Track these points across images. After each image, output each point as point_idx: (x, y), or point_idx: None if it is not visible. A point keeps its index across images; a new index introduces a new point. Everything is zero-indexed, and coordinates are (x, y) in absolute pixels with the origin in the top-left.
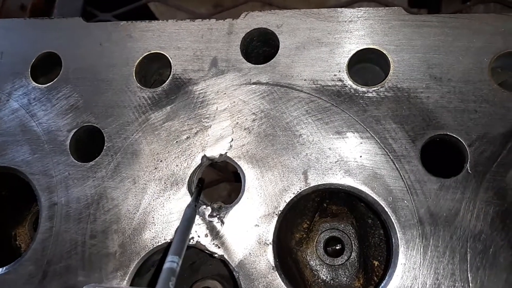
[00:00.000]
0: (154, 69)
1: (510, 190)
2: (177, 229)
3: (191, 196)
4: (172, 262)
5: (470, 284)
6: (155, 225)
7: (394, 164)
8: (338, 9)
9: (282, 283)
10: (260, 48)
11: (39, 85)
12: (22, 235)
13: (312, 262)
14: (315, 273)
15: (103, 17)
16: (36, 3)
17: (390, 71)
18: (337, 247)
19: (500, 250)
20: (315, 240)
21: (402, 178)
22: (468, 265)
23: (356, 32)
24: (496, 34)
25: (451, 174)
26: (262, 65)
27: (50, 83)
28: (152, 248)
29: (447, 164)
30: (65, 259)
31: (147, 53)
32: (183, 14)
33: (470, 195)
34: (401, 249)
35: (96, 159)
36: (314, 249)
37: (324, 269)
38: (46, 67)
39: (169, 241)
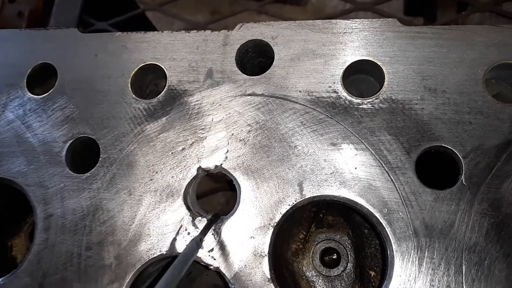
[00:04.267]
0: (149, 80)
1: (505, 201)
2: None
3: (187, 208)
4: None
5: None
6: (150, 236)
7: (389, 175)
8: (333, 20)
9: None
10: (256, 59)
11: (35, 96)
12: (19, 246)
13: (308, 273)
14: (311, 284)
15: (100, 26)
16: (33, 10)
17: (385, 83)
18: (333, 258)
19: (495, 262)
20: (311, 251)
21: (397, 190)
22: (464, 277)
23: (351, 43)
24: (490, 46)
25: (446, 186)
26: (257, 77)
27: (45, 94)
28: (147, 260)
29: (442, 176)
30: (60, 271)
31: (143, 64)
32: (180, 22)
33: (465, 206)
34: (397, 261)
35: (92, 170)
36: (310, 260)
37: (320, 280)
38: (41, 78)
39: (164, 253)
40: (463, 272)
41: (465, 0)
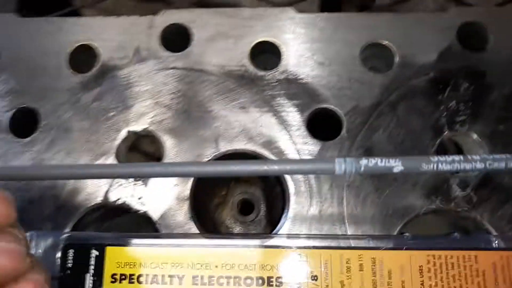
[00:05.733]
0: (84, 58)
1: (375, 148)
2: None
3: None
4: None
5: (346, 222)
6: (87, 189)
7: (287, 131)
8: (241, 8)
9: (197, 230)
10: (178, 41)
11: None
12: None
13: (227, 221)
14: (230, 229)
15: None
16: None
17: (283, 59)
18: (248, 207)
19: (368, 195)
20: (230, 202)
21: (292, 142)
22: (344, 207)
23: (256, 27)
24: (360, 28)
25: (332, 138)
26: (178, 53)
27: None
28: (84, 208)
29: (329, 131)
30: None
31: (77, 44)
32: None
33: (345, 153)
34: (292, 197)
35: (33, 135)
36: (229, 210)
37: (237, 226)
38: None
39: (99, 202)
40: (344, 204)
41: (365, 3)
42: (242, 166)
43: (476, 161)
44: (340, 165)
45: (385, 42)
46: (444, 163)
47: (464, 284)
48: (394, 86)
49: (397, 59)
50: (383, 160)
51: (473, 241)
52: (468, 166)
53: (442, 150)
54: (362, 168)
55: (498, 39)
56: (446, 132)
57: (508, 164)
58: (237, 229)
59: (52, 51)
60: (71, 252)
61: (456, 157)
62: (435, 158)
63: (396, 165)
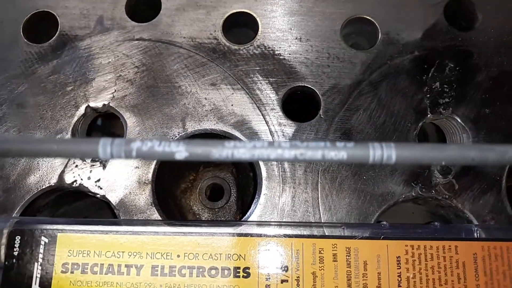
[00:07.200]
0: (43, 29)
1: (354, 130)
2: None
3: None
4: None
5: (320, 208)
6: (39, 170)
7: (260, 111)
8: None
9: (160, 217)
10: (147, 12)
11: None
12: None
13: (195, 207)
14: (198, 216)
15: None
16: None
17: (259, 32)
18: (217, 192)
19: (345, 180)
20: (198, 187)
21: (266, 123)
22: (319, 193)
23: None
24: (342, 1)
25: (309, 119)
26: (144, 24)
27: None
28: (36, 191)
29: (306, 112)
30: None
31: (35, 11)
32: None
33: (322, 135)
34: (264, 182)
35: None
36: (197, 196)
37: (205, 212)
38: None
39: (52, 184)
40: (319, 189)
41: None
42: None
43: (284, 148)
44: (105, 148)
45: (368, 17)
46: (242, 149)
47: (443, 275)
48: (377, 64)
49: (380, 35)
50: (162, 144)
51: (454, 231)
52: (272, 154)
53: (423, 135)
54: (134, 152)
55: (487, 18)
56: (429, 115)
57: (326, 154)
58: (205, 215)
59: (7, 19)
60: (17, 239)
61: (258, 143)
62: (231, 144)
63: (179, 150)
